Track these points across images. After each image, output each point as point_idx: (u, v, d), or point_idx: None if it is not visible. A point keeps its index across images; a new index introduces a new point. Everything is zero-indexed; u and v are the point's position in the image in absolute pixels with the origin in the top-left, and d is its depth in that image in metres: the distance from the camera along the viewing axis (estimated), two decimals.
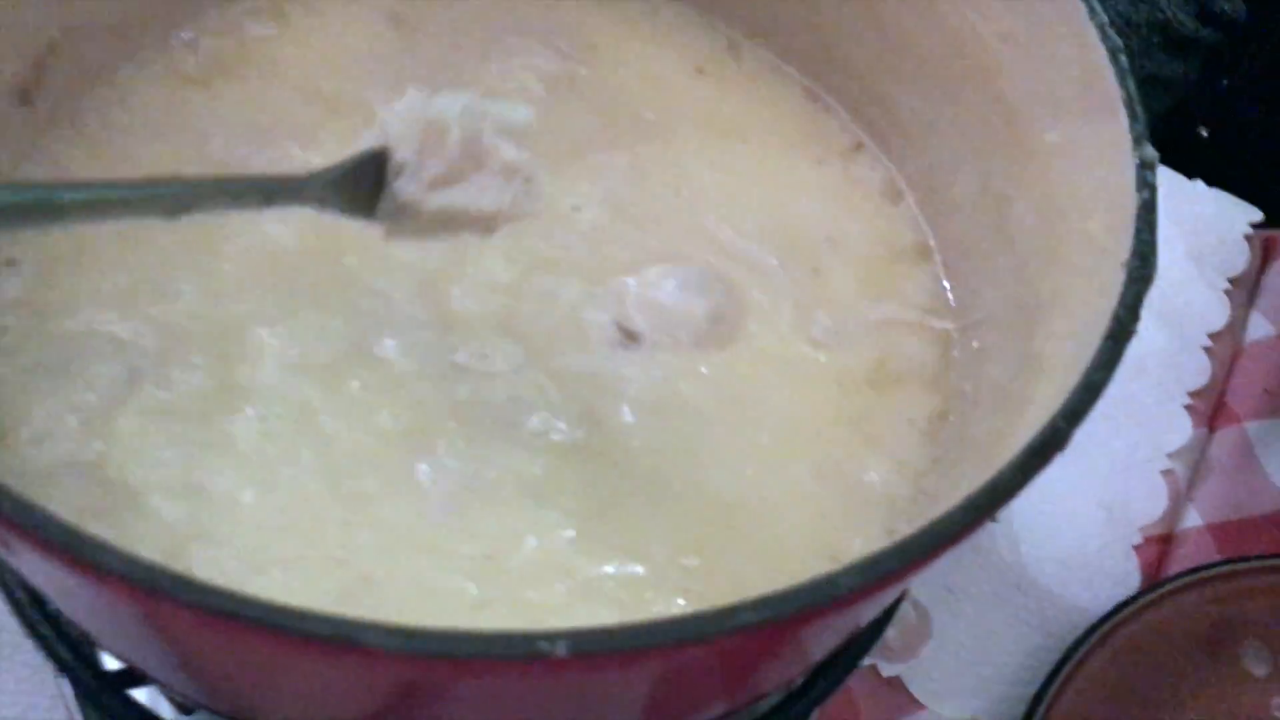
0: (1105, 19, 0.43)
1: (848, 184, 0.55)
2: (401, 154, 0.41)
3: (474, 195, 0.41)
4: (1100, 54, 0.42)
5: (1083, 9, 0.43)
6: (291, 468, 0.43)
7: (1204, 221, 0.88)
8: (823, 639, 0.37)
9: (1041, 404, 0.36)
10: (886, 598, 0.38)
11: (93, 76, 0.51)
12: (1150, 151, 0.39)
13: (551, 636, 0.27)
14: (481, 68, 0.55)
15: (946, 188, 0.52)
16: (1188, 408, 0.78)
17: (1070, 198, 0.43)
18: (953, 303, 0.52)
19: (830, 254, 0.52)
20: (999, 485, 0.32)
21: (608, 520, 0.44)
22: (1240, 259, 0.86)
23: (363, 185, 0.41)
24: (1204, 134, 1.23)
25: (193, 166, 0.50)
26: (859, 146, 0.56)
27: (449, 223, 0.41)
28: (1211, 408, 0.79)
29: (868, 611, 0.38)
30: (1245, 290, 0.85)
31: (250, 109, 0.52)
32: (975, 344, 0.49)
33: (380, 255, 0.48)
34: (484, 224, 0.41)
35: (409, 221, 0.41)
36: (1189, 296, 0.83)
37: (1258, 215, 0.88)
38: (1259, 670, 0.67)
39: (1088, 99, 0.43)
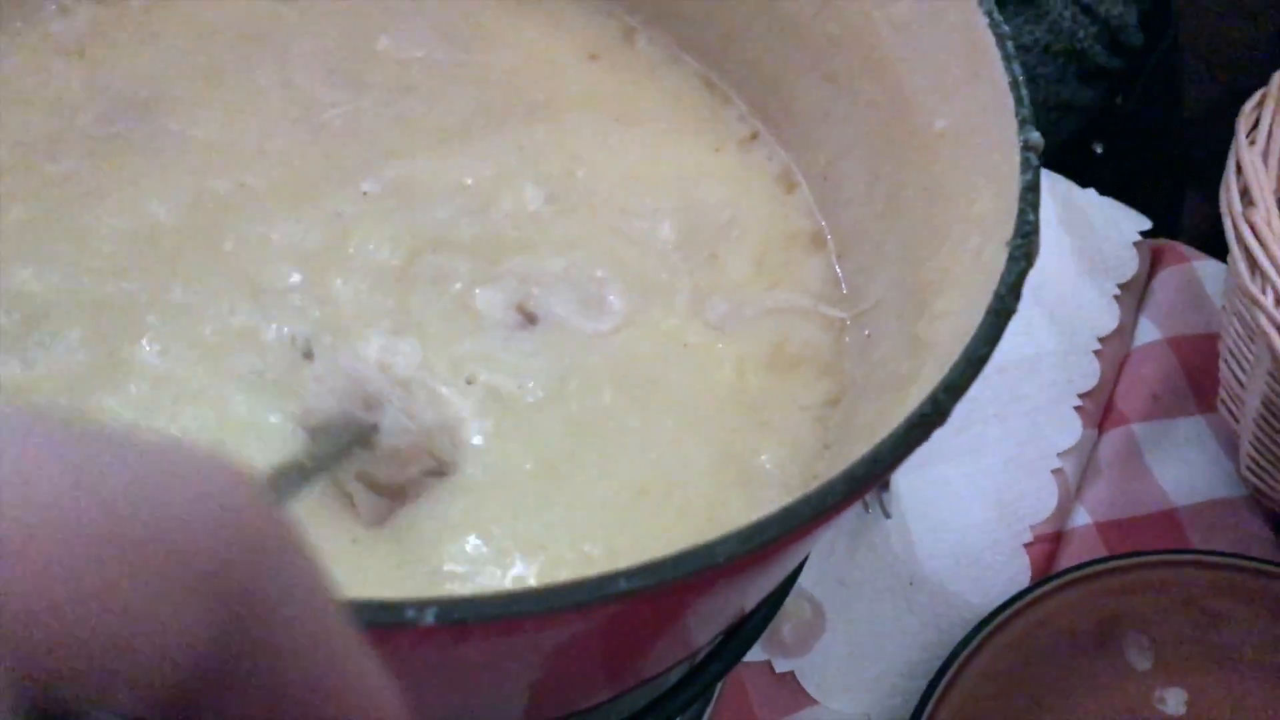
0: (993, 6, 0.43)
1: (744, 171, 0.54)
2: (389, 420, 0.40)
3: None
4: (989, 40, 0.42)
5: None
6: None
7: (1095, 229, 0.89)
8: (706, 615, 0.36)
9: (925, 382, 0.36)
10: (769, 575, 0.37)
11: None
12: (1035, 136, 0.40)
13: (420, 604, 0.27)
14: (368, 46, 0.53)
15: (840, 177, 0.52)
16: (1078, 409, 0.79)
17: (958, 182, 0.43)
18: (845, 290, 0.52)
19: (727, 239, 0.51)
20: (879, 457, 0.31)
21: (510, 511, 0.43)
22: (1130, 266, 0.88)
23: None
24: (1098, 150, 1.27)
25: (66, 138, 0.48)
26: (755, 135, 0.56)
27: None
28: (1100, 409, 0.81)
29: (750, 589, 0.37)
30: (1134, 296, 0.87)
31: (128, 80, 0.50)
32: (866, 331, 0.49)
33: (260, 238, 0.47)
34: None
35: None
36: (1080, 301, 0.85)
37: (1147, 224, 0.90)
38: (1142, 664, 0.68)
39: (975, 85, 0.43)
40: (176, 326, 0.44)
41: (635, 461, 0.46)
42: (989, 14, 0.43)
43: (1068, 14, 1.11)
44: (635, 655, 0.37)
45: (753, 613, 0.46)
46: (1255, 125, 0.73)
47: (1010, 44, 0.42)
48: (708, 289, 0.50)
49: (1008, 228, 0.37)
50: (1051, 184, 0.91)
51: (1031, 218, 0.37)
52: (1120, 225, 0.90)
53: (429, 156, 0.50)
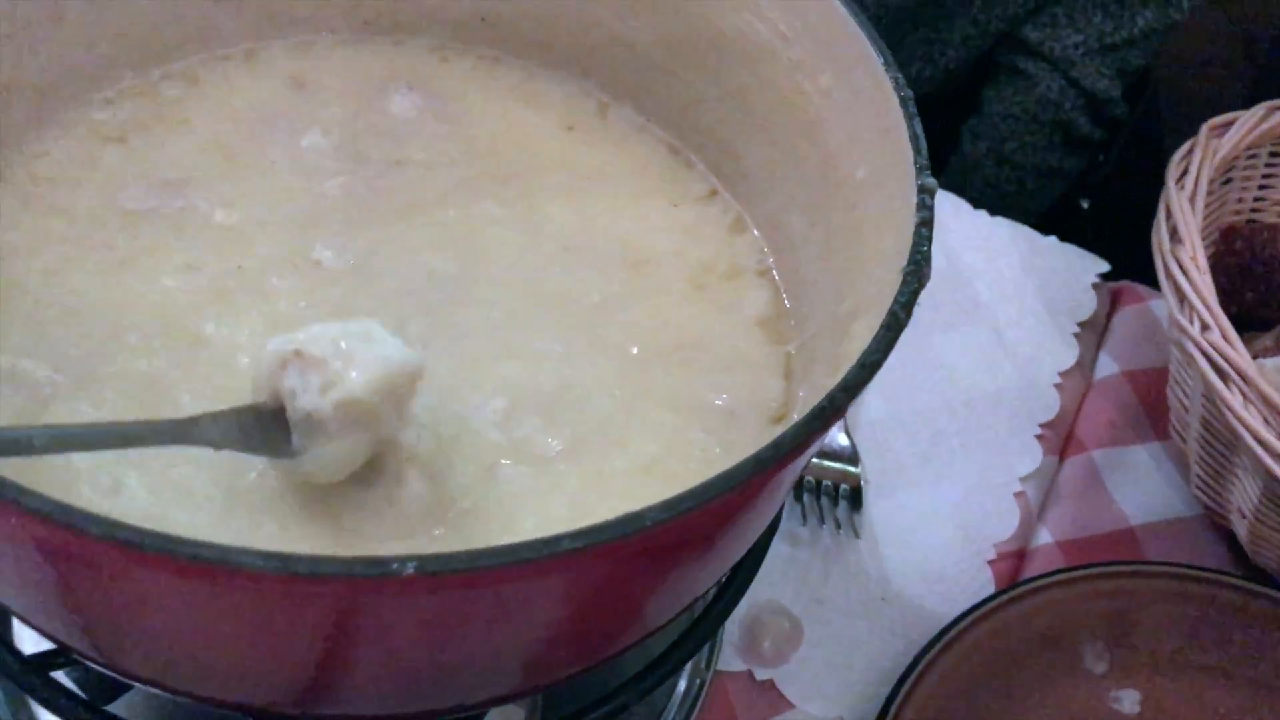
0: (899, 74, 0.50)
1: (700, 222, 0.62)
2: (289, 382, 0.43)
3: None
4: (894, 101, 0.50)
5: (880, 63, 0.51)
6: None
7: (1055, 273, 0.96)
8: (662, 584, 0.42)
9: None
10: (701, 557, 0.44)
11: (20, 133, 0.57)
12: (930, 181, 0.47)
13: (401, 560, 0.33)
14: (365, 121, 0.61)
15: (787, 224, 0.60)
16: (1038, 437, 0.86)
17: (873, 224, 0.50)
18: (793, 322, 0.58)
19: (677, 273, 0.59)
20: (781, 444, 0.38)
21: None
22: (1089, 305, 0.94)
23: (268, 430, 0.43)
24: (1085, 205, 1.34)
25: (109, 215, 0.56)
26: (713, 193, 0.64)
27: (358, 418, 0.44)
28: (1061, 438, 0.87)
29: (690, 566, 0.44)
30: (1094, 333, 0.94)
31: (161, 163, 0.58)
32: (809, 359, 0.56)
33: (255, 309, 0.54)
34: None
35: (321, 437, 0.43)
36: (1040, 339, 0.91)
37: (1105, 266, 0.97)
38: (1098, 667, 0.73)
39: (886, 140, 0.50)
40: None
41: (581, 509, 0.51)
42: (894, 79, 0.50)
43: (1055, 86, 1.18)
44: (604, 620, 0.43)
45: (715, 600, 0.52)
46: (1185, 172, 0.80)
47: (912, 104, 0.49)
48: (659, 315, 0.57)
49: (905, 257, 0.44)
50: (1014, 234, 0.98)
51: (924, 248, 0.44)
52: (1079, 269, 0.97)
53: (415, 222, 0.57)
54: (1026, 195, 1.26)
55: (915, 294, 0.43)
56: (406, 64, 0.66)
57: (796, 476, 0.50)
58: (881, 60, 0.50)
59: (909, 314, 0.43)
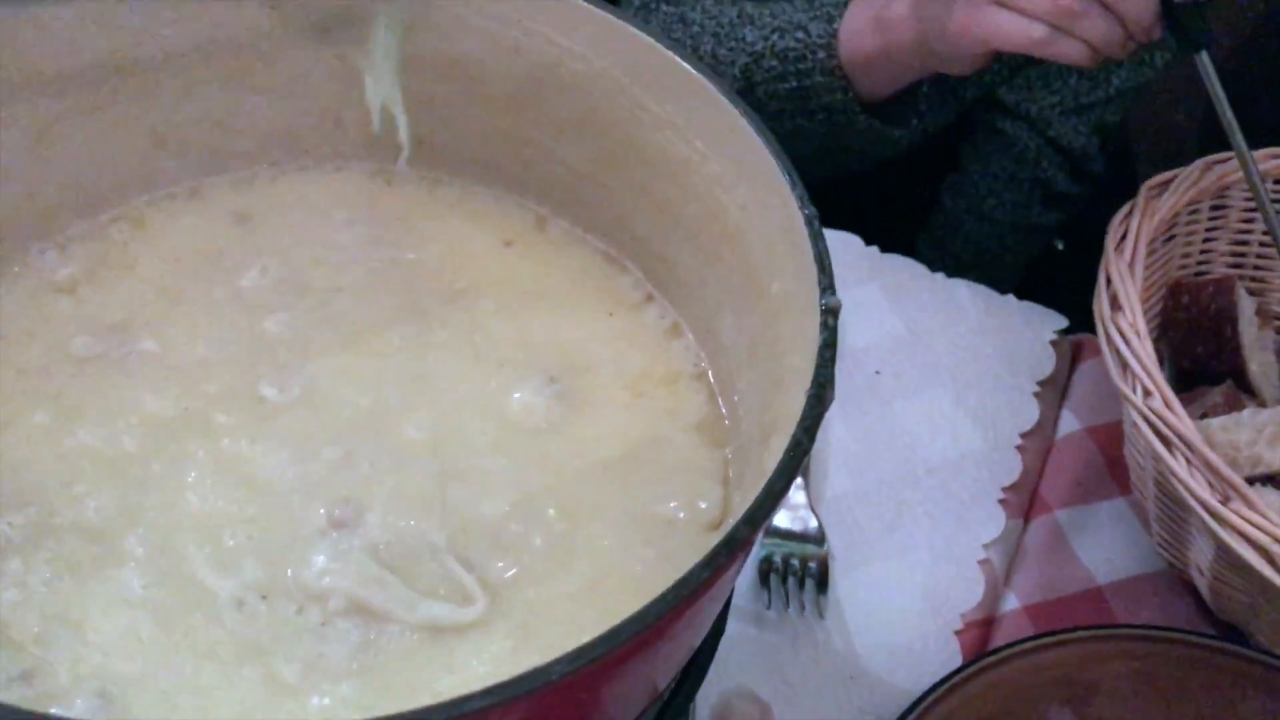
0: (804, 191, 0.52)
1: (637, 328, 0.63)
2: None
3: None
4: (799, 220, 0.51)
5: (787, 182, 0.53)
6: None
7: (1014, 331, 0.98)
8: (589, 710, 0.44)
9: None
10: (636, 678, 0.45)
11: None
12: (834, 300, 0.48)
13: None
14: (308, 252, 0.63)
15: (718, 328, 0.61)
16: (1001, 502, 0.87)
17: (787, 339, 0.52)
18: (729, 425, 0.60)
19: (616, 380, 0.60)
20: (687, 580, 0.39)
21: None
22: (1048, 363, 0.96)
23: None
24: (1060, 246, 1.35)
25: (58, 364, 0.58)
26: (649, 298, 0.65)
27: None
28: (1025, 500, 0.88)
29: (625, 687, 0.45)
30: (1055, 391, 0.95)
31: (109, 307, 0.60)
32: (743, 464, 0.57)
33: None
34: None
35: None
36: (1001, 401, 0.92)
37: (1063, 322, 0.98)
38: None
39: (795, 257, 0.52)
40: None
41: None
42: (799, 198, 0.52)
43: (1033, 145, 1.19)
44: None
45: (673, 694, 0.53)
46: (1124, 235, 0.82)
47: (817, 223, 0.51)
48: (598, 421, 0.59)
49: (809, 378, 0.46)
50: (973, 294, 1.00)
51: (826, 373, 0.45)
52: (1038, 326, 0.98)
53: (359, 350, 0.59)
54: (1007, 250, 1.27)
55: (819, 417, 0.44)
56: (347, 190, 0.68)
57: (723, 592, 0.51)
58: (787, 179, 0.52)
59: (812, 438, 0.44)
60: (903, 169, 1.16)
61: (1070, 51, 0.80)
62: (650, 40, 0.56)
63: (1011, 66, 1.16)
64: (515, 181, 0.68)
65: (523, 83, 0.63)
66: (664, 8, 1.02)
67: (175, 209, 0.65)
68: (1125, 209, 0.83)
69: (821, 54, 0.95)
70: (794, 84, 0.97)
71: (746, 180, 0.56)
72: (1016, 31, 0.81)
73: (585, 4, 0.58)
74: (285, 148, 0.67)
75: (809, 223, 0.51)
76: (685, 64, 0.55)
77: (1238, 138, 0.79)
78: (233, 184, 0.66)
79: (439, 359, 0.61)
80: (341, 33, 0.61)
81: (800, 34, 0.97)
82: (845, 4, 0.97)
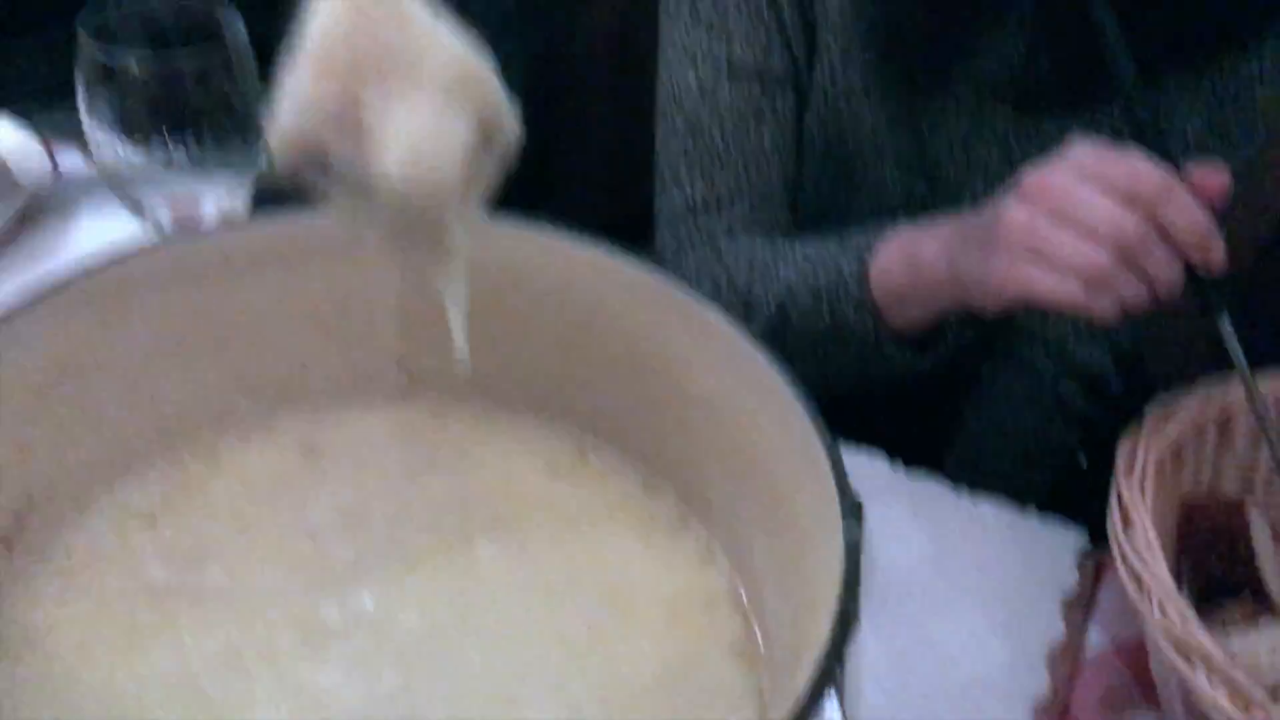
0: (826, 427, 0.57)
1: (673, 552, 0.68)
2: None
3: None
4: (820, 446, 0.56)
5: (809, 419, 0.58)
6: None
7: (1039, 546, 1.01)
8: None
9: None
10: None
11: (59, 522, 0.64)
12: (856, 532, 0.52)
13: None
14: (370, 480, 0.69)
15: (750, 554, 0.65)
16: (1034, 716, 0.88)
17: (813, 564, 0.56)
18: (761, 644, 0.63)
19: (654, 605, 0.64)
20: None
21: None
22: (1071, 579, 0.98)
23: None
24: (1084, 463, 1.38)
25: (134, 592, 0.63)
26: (685, 521, 0.70)
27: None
28: (1055, 717, 0.89)
29: None
30: (1081, 608, 0.97)
31: (183, 537, 0.65)
32: (776, 690, 0.61)
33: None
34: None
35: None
36: (1027, 614, 0.95)
37: (1084, 543, 1.01)
38: None
39: (817, 488, 0.56)
40: None
41: None
42: (814, 420, 0.57)
43: (1050, 368, 1.24)
44: None
45: None
46: (1133, 457, 0.86)
47: (839, 456, 0.56)
48: (636, 650, 0.62)
49: (833, 603, 0.50)
50: (997, 514, 1.03)
51: (852, 602, 0.49)
52: (1061, 545, 1.01)
53: (417, 573, 0.64)
54: (1031, 467, 1.30)
55: (845, 642, 0.48)
56: (409, 423, 0.73)
57: None
58: (810, 418, 0.57)
59: (841, 662, 0.48)
60: (926, 390, 1.21)
61: (1104, 309, 0.85)
62: (685, 296, 0.63)
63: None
64: (560, 412, 0.74)
65: (571, 326, 0.69)
66: (699, 250, 1.10)
67: (247, 442, 0.71)
68: (1132, 432, 0.88)
69: (854, 288, 1.01)
70: (828, 319, 1.03)
71: (769, 414, 0.61)
72: (1056, 289, 0.84)
73: (631, 269, 0.64)
74: (355, 386, 0.73)
75: (830, 450, 0.56)
76: (716, 318, 0.61)
77: (1250, 384, 0.83)
78: (302, 419, 0.72)
79: (490, 582, 0.65)
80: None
81: (833, 271, 1.03)
82: (876, 241, 1.03)
